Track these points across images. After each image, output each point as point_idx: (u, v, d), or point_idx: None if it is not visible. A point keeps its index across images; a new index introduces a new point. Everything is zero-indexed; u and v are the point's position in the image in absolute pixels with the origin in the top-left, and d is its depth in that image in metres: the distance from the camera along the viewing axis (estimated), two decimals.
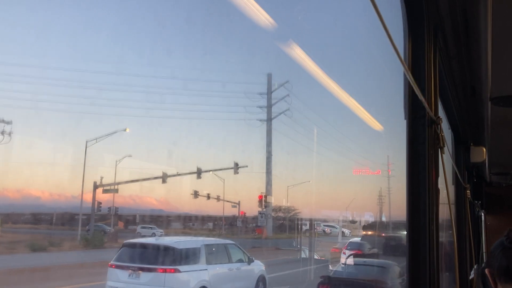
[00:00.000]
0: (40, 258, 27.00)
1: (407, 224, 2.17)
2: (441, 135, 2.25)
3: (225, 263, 18.13)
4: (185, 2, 62.96)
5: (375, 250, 26.87)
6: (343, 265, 17.50)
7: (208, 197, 49.87)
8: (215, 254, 18.01)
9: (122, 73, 72.58)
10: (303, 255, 30.93)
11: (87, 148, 42.18)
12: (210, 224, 62.42)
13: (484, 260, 6.65)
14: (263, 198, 47.59)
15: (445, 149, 2.32)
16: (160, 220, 59.57)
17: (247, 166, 47.11)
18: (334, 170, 77.34)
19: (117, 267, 16.54)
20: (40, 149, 54.76)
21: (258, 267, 19.99)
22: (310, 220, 49.12)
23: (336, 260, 23.32)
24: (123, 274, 16.25)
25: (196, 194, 47.37)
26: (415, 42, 2.25)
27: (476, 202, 7.00)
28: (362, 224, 46.24)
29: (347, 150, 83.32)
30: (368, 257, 23.60)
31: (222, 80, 70.17)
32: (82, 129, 63.93)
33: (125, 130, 43.86)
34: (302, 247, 32.64)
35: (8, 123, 39.50)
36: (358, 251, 24.72)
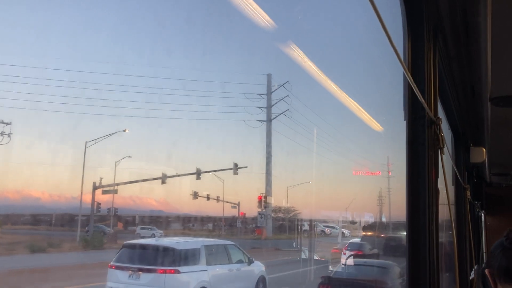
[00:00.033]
0: (39, 259, 26.97)
1: (407, 225, 2.17)
2: (441, 135, 2.25)
3: (225, 264, 18.13)
4: (185, 3, 63.01)
5: (375, 251, 26.87)
6: (343, 266, 17.50)
7: (208, 198, 49.91)
8: (215, 255, 18.01)
9: (121, 74, 72.54)
10: (303, 256, 30.94)
11: (87, 149, 42.25)
12: (210, 225, 62.42)
13: (484, 261, 6.65)
14: (263, 199, 47.60)
15: (445, 149, 2.32)
16: (159, 221, 59.57)
17: (246, 167, 47.15)
18: (334, 170, 77.35)
19: (117, 268, 16.54)
20: (40, 149, 54.83)
21: (258, 267, 19.98)
22: (310, 221, 49.14)
23: (337, 260, 23.33)
24: (123, 275, 16.25)
25: (195, 195, 47.40)
26: (415, 42, 2.25)
27: (476, 202, 7.00)
28: (362, 224, 46.24)
29: (347, 151, 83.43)
30: (369, 257, 23.61)
31: (221, 81, 70.22)
32: (82, 130, 63.95)
33: (124, 130, 43.88)
34: (302, 247, 32.64)
35: (8, 123, 39.53)
36: (358, 251, 24.73)
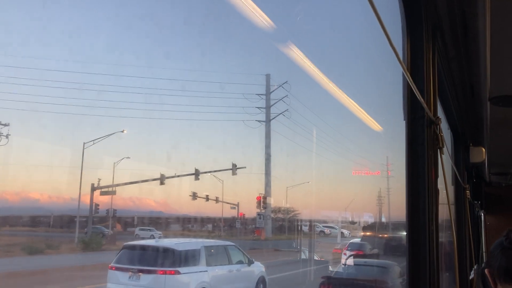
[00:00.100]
0: (37, 261, 26.88)
1: (407, 225, 2.17)
2: (440, 135, 2.25)
3: (225, 264, 18.12)
4: (184, 4, 63.04)
5: (375, 251, 26.89)
6: (344, 266, 17.50)
7: (207, 198, 49.85)
8: (215, 256, 18.00)
9: (120, 75, 72.56)
10: (303, 256, 30.94)
11: (85, 150, 42.20)
12: (210, 226, 62.41)
13: (484, 260, 6.65)
14: (262, 199, 47.58)
15: (445, 149, 2.32)
16: (159, 222, 59.56)
17: (245, 167, 47.14)
18: (333, 170, 77.39)
19: (117, 269, 16.53)
20: (39, 151, 54.81)
21: (258, 268, 19.98)
22: (310, 221, 49.16)
23: (338, 260, 23.34)
24: (123, 276, 16.25)
25: (194, 195, 47.34)
26: (414, 42, 2.25)
27: (476, 202, 7.00)
28: (362, 225, 46.23)
29: (347, 151, 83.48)
30: (369, 257, 23.62)
31: (221, 81, 70.23)
32: (81, 131, 64.03)
33: (122, 131, 43.83)
34: (302, 248, 32.64)
35: (6, 125, 39.50)
36: (358, 251, 24.75)
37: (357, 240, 31.04)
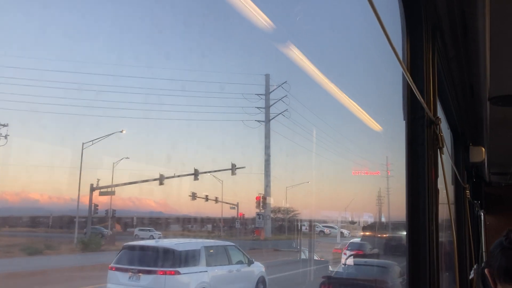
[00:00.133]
0: (36, 262, 26.85)
1: (407, 225, 2.17)
2: (440, 135, 2.25)
3: (225, 264, 18.12)
4: (183, 4, 63.03)
5: (375, 250, 26.92)
6: (344, 265, 17.51)
7: (206, 199, 49.82)
8: (215, 256, 18.00)
9: (120, 75, 72.57)
10: (302, 256, 30.94)
11: (84, 150, 42.18)
12: (209, 226, 62.39)
13: (484, 260, 6.66)
14: (261, 199, 47.58)
15: (444, 149, 2.32)
16: (158, 222, 59.54)
17: (244, 167, 47.14)
18: (333, 170, 77.39)
19: (117, 269, 16.54)
20: (38, 151, 54.81)
21: (258, 268, 19.98)
22: (310, 221, 49.16)
23: (338, 260, 23.36)
24: (123, 276, 16.25)
25: (194, 195, 47.32)
26: (414, 43, 2.25)
27: (476, 202, 7.00)
28: (362, 224, 46.24)
29: (346, 151, 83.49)
30: (369, 257, 23.65)
31: (220, 82, 70.24)
32: (81, 132, 64.03)
33: (121, 131, 43.81)
34: (302, 248, 32.64)
35: (4, 125, 39.48)
36: (359, 251, 24.77)
37: (357, 240, 31.06)
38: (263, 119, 53.90)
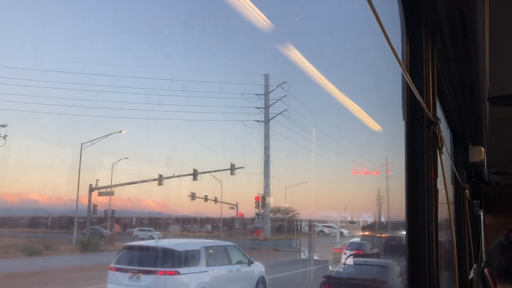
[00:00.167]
0: (35, 262, 26.79)
1: (407, 225, 2.17)
2: (440, 135, 2.26)
3: (225, 265, 18.13)
4: (182, 4, 63.03)
5: (376, 250, 26.95)
6: (344, 265, 17.54)
7: (206, 199, 49.80)
8: (215, 256, 18.01)
9: (119, 76, 72.55)
10: (302, 256, 30.93)
11: (83, 151, 42.16)
12: (209, 226, 62.34)
13: (484, 260, 6.66)
14: (260, 199, 47.56)
15: (444, 149, 2.33)
16: (158, 222, 59.48)
17: (243, 167, 47.13)
18: (332, 170, 77.40)
19: (118, 269, 16.54)
20: (38, 152, 54.79)
21: (258, 268, 19.99)
22: (309, 221, 49.13)
23: (338, 260, 23.37)
24: (123, 277, 16.26)
25: (193, 196, 47.30)
26: (413, 43, 2.25)
27: (475, 201, 7.00)
28: (361, 224, 46.24)
29: (346, 151, 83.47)
30: (369, 257, 23.67)
31: (219, 82, 70.25)
32: (80, 132, 63.99)
33: (120, 131, 43.78)
34: (302, 248, 32.63)
35: (3, 126, 39.44)
36: (359, 251, 24.81)
37: (357, 239, 31.08)
38: (263, 119, 53.93)
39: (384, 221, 52.66)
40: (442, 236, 3.33)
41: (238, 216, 55.19)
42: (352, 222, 54.39)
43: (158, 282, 15.83)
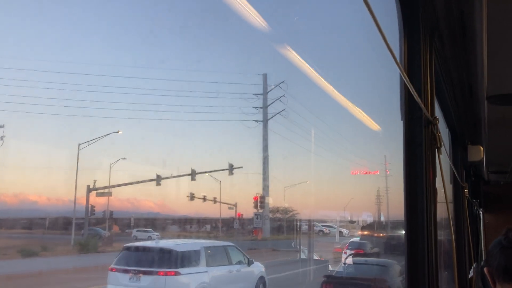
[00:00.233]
0: (33, 264, 26.71)
1: (405, 224, 2.17)
2: (438, 135, 2.26)
3: (225, 265, 18.13)
4: (181, 5, 63.02)
5: (376, 249, 26.99)
6: (345, 265, 17.58)
7: (204, 199, 49.74)
8: (215, 256, 18.01)
9: (117, 76, 72.54)
10: (302, 256, 30.93)
11: (80, 152, 42.07)
12: (208, 227, 62.31)
13: (483, 259, 6.67)
14: (259, 199, 47.54)
15: (442, 149, 2.33)
16: (156, 223, 59.40)
17: (242, 167, 47.08)
18: (331, 170, 77.36)
19: (118, 270, 16.54)
20: (36, 153, 54.72)
21: (257, 268, 20.00)
22: (309, 221, 49.11)
23: (338, 260, 23.39)
24: (123, 277, 16.26)
25: (192, 196, 47.22)
26: (411, 43, 2.25)
27: (474, 200, 7.01)
28: (361, 224, 46.27)
29: (345, 151, 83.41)
30: (369, 256, 23.72)
31: (218, 82, 70.31)
32: (79, 133, 63.96)
33: (117, 132, 43.69)
34: (301, 247, 32.62)
35: (1, 127, 39.39)
36: (359, 250, 24.84)
37: (357, 239, 31.10)
38: (261, 119, 53.90)
39: (384, 221, 52.67)
40: (442, 235, 3.34)
41: (237, 216, 55.17)
42: (351, 222, 54.41)
43: (158, 282, 15.83)
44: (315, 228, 52.70)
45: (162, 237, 44.76)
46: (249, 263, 19.38)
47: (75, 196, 43.71)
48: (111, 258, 17.64)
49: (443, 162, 2.42)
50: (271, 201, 53.50)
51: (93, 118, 60.00)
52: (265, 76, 53.87)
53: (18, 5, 52.06)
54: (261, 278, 19.85)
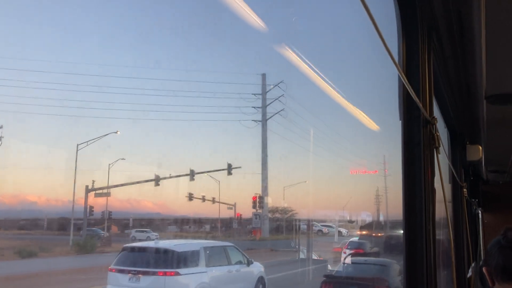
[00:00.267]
0: (31, 264, 26.65)
1: (404, 224, 2.17)
2: (437, 135, 2.25)
3: (224, 265, 18.13)
4: (180, 5, 63.01)
5: (375, 249, 27.01)
6: (344, 264, 17.58)
7: (203, 199, 49.70)
8: (215, 257, 18.01)
9: (115, 76, 72.50)
10: (301, 256, 30.93)
11: (79, 152, 42.02)
12: (207, 227, 62.28)
13: (482, 258, 6.67)
14: (258, 199, 47.53)
15: (441, 148, 2.33)
16: (155, 223, 59.36)
17: (240, 167, 47.04)
18: (330, 170, 77.34)
19: (117, 270, 16.54)
20: (35, 153, 54.63)
21: (257, 268, 20.01)
22: (308, 221, 49.11)
23: (337, 259, 23.39)
24: (123, 278, 16.25)
25: (190, 196, 47.15)
26: (409, 43, 2.25)
27: (473, 200, 7.01)
28: (360, 223, 46.28)
29: (344, 150, 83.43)
30: (369, 255, 23.74)
31: (216, 82, 70.18)
32: (78, 133, 63.88)
33: (116, 132, 43.64)
34: (301, 247, 32.62)
35: None
36: (358, 250, 24.86)
37: (356, 238, 31.12)
38: (260, 118, 53.91)
39: (383, 220, 52.66)
40: (440, 235, 3.34)
41: (236, 216, 55.16)
42: (350, 221, 54.41)
43: (158, 282, 15.83)
44: (314, 228, 52.70)
45: (161, 238, 44.74)
46: (249, 263, 19.38)
47: (73, 197, 43.69)
48: (110, 258, 17.62)
49: (442, 161, 2.42)
50: (270, 201, 53.49)
51: (92, 119, 59.96)
52: (264, 76, 53.92)
53: (18, 5, 52.02)
54: (261, 278, 19.85)
